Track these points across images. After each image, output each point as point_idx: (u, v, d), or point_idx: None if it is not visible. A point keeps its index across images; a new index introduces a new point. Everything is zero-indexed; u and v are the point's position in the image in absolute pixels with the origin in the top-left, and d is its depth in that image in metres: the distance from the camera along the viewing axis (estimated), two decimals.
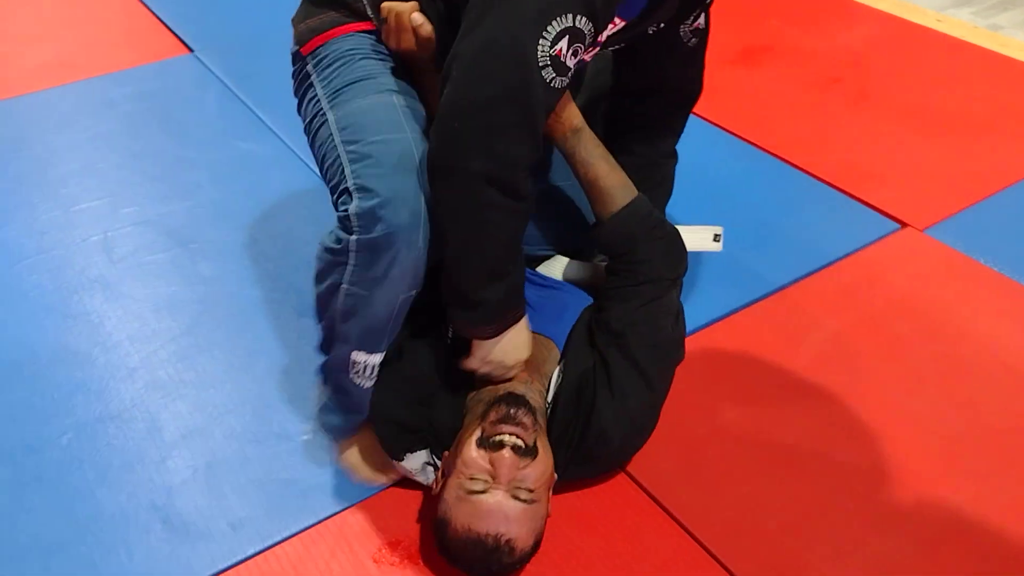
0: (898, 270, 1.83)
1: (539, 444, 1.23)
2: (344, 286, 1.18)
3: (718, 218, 1.96)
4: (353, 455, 1.41)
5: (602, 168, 1.34)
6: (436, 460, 1.32)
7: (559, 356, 1.38)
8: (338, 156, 1.18)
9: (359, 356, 1.25)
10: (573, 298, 1.45)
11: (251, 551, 1.32)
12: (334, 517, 1.37)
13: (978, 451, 1.46)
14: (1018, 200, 2.02)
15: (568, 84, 1.11)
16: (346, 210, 1.13)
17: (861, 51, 2.65)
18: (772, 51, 2.66)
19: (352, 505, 1.38)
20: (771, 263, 1.85)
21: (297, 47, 1.34)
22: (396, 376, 1.31)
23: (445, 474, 1.25)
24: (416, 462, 1.32)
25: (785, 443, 1.48)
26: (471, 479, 1.19)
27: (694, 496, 1.39)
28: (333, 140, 1.20)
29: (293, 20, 1.36)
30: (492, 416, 1.22)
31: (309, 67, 1.31)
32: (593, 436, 1.30)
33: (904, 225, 1.95)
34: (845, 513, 1.36)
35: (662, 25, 1.33)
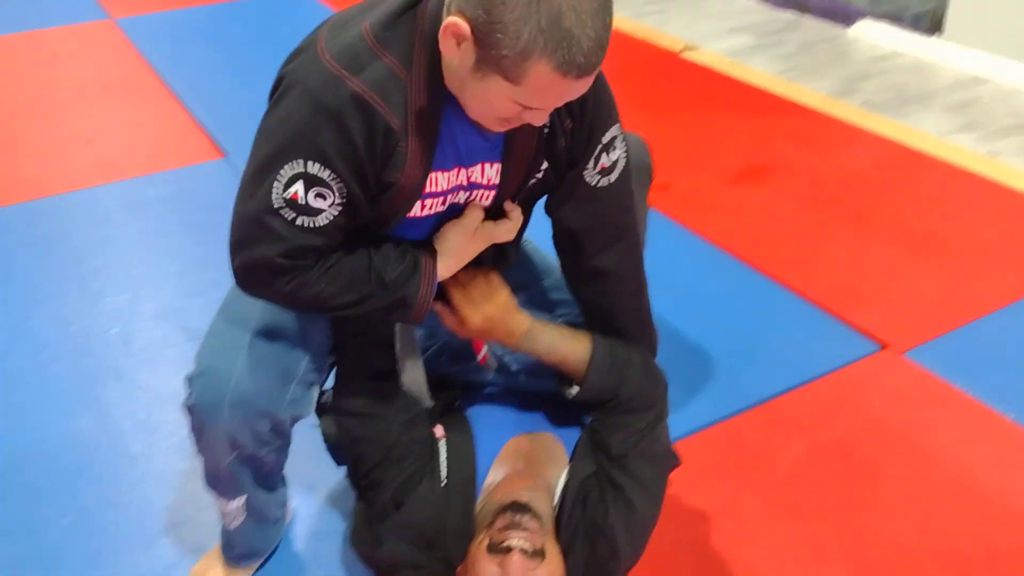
0: (874, 391, 1.88)
1: (547, 547, 1.26)
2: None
3: (704, 331, 2.06)
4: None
5: (560, 349, 1.40)
6: None
7: (564, 459, 1.44)
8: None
9: (214, 496, 1.37)
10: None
11: None
12: None
13: (933, 567, 1.49)
14: (1000, 326, 2.07)
15: (329, 223, 1.15)
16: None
17: (860, 173, 2.75)
18: (773, 171, 2.77)
19: None
20: (752, 377, 1.91)
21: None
22: (401, 527, 1.33)
23: None
24: None
25: (751, 559, 1.52)
26: None
27: None
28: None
29: None
30: (499, 524, 1.25)
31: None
32: (603, 550, 1.33)
33: (884, 346, 2.00)
34: None
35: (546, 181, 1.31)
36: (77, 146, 2.95)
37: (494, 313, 1.35)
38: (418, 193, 1.21)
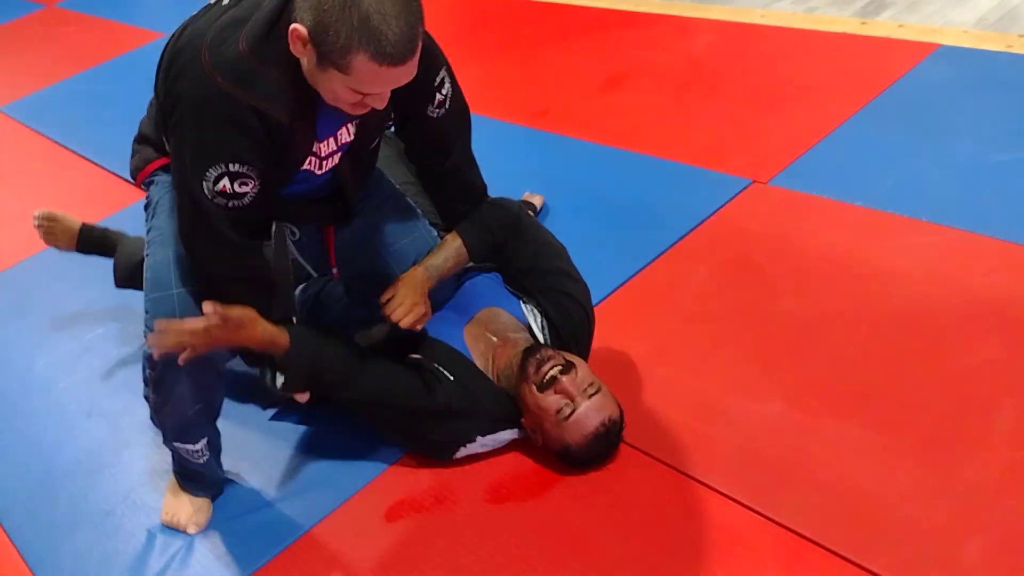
0: (752, 216, 2.28)
1: (565, 355, 1.67)
2: (147, 393, 1.65)
3: (607, 211, 2.43)
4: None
5: (449, 262, 1.79)
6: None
7: (509, 316, 1.83)
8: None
9: (177, 444, 1.70)
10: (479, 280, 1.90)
11: None
12: None
13: (825, 329, 1.89)
14: (833, 142, 2.50)
15: (255, 197, 1.47)
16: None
17: (703, 56, 3.16)
18: (630, 75, 3.15)
19: None
20: (656, 233, 2.28)
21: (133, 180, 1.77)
22: (447, 410, 1.69)
23: (537, 430, 1.67)
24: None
25: (676, 359, 1.89)
26: (558, 412, 1.61)
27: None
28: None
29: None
30: (530, 369, 1.64)
31: (144, 206, 1.75)
32: (578, 314, 1.81)
33: (754, 181, 2.40)
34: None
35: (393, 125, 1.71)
36: (10, 223, 3.15)
37: (413, 298, 1.70)
38: (302, 161, 1.54)
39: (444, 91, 1.66)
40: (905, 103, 2.59)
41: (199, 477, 1.78)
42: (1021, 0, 3.03)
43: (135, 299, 2.51)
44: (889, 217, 2.15)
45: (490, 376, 1.76)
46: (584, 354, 1.82)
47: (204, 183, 1.44)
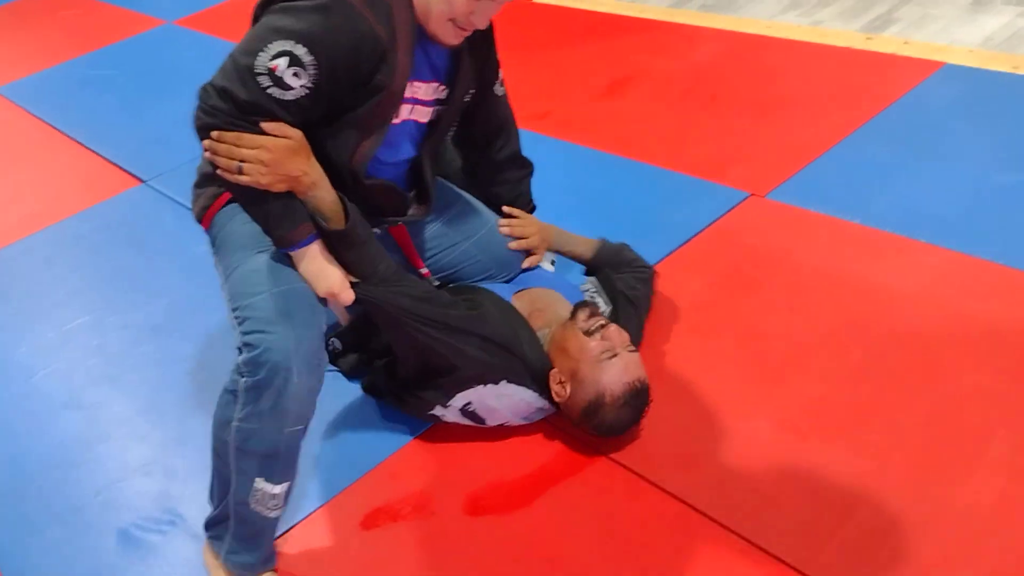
0: (748, 229, 2.25)
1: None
2: (235, 423, 1.44)
3: (607, 219, 2.39)
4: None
5: (579, 246, 1.99)
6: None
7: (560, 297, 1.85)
8: (233, 321, 1.49)
9: (260, 483, 1.45)
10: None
11: None
12: None
13: (818, 349, 1.85)
14: (833, 158, 2.46)
15: (294, 100, 1.39)
16: (238, 362, 1.44)
17: (707, 65, 3.13)
18: (632, 81, 3.12)
19: None
20: (653, 243, 2.23)
21: (200, 224, 1.68)
22: (481, 337, 1.63)
23: (568, 378, 1.63)
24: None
25: (673, 367, 1.86)
26: (602, 352, 1.60)
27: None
28: (228, 309, 1.52)
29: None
30: (581, 315, 1.66)
31: (211, 244, 1.65)
32: (643, 308, 1.94)
33: (752, 194, 2.37)
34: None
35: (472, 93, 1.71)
36: (1, 206, 3.12)
37: (535, 230, 1.92)
38: (400, 98, 1.52)
39: (500, 72, 1.76)
40: (908, 121, 2.56)
41: (261, 540, 1.54)
42: None
43: (117, 290, 2.48)
44: (887, 236, 2.12)
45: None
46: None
47: (262, 52, 1.37)
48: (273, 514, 1.52)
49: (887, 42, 3.02)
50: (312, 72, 1.40)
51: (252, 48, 1.39)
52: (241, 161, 1.41)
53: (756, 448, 1.66)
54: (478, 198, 1.94)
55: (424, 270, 1.84)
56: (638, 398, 1.63)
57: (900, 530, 1.46)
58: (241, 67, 1.39)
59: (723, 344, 1.92)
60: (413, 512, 1.66)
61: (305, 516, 1.69)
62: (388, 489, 1.71)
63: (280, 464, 1.48)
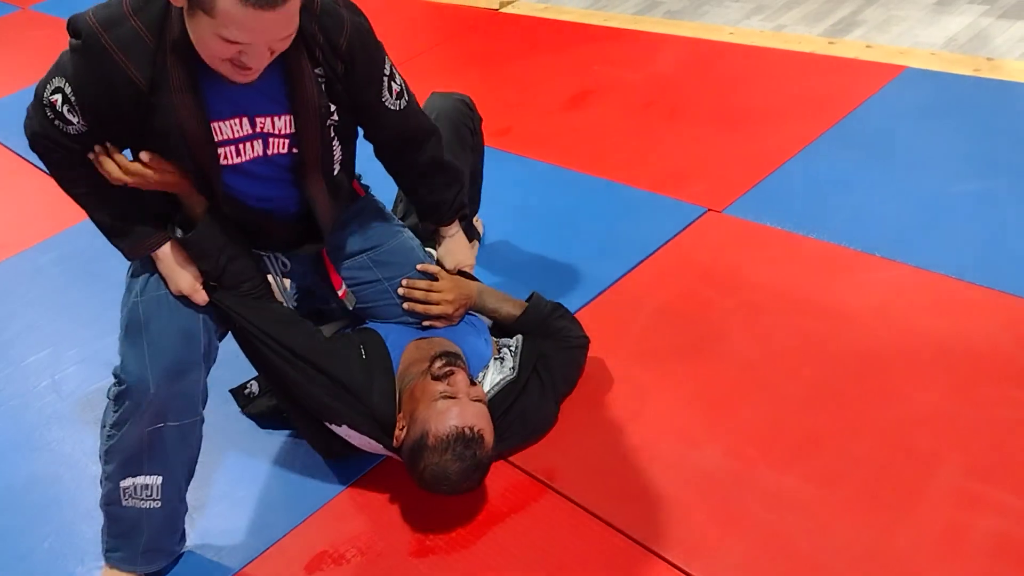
0: (704, 246, 2.22)
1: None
2: (105, 429, 1.59)
3: (564, 237, 2.36)
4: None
5: (504, 307, 1.88)
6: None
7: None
8: None
9: (127, 481, 1.58)
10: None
11: None
12: None
13: (770, 371, 1.83)
14: (791, 171, 2.43)
15: (76, 135, 1.46)
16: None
17: (669, 75, 3.09)
18: (594, 93, 3.09)
19: None
20: (610, 261, 2.23)
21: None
22: (332, 382, 1.63)
23: (405, 422, 1.59)
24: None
25: (623, 397, 1.83)
26: (440, 392, 1.56)
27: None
28: None
29: None
30: (437, 363, 1.62)
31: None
32: (577, 343, 1.87)
33: (709, 210, 2.34)
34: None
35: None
36: None
37: (457, 296, 1.80)
38: (209, 141, 1.48)
39: (396, 83, 1.64)
40: (867, 129, 2.53)
41: (137, 535, 1.63)
42: (992, 21, 2.96)
43: (75, 323, 2.45)
44: (843, 251, 2.09)
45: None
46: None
47: (48, 85, 1.45)
48: (148, 505, 1.60)
49: (849, 46, 2.99)
50: (79, 111, 1.44)
51: (43, 81, 1.46)
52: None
53: (704, 479, 1.63)
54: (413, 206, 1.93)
55: (341, 291, 1.80)
56: (465, 446, 1.52)
57: (843, 565, 1.44)
58: (36, 97, 1.48)
59: (674, 369, 1.89)
60: (359, 554, 1.64)
61: (249, 561, 1.67)
62: (333, 531, 1.69)
63: (146, 461, 1.58)
